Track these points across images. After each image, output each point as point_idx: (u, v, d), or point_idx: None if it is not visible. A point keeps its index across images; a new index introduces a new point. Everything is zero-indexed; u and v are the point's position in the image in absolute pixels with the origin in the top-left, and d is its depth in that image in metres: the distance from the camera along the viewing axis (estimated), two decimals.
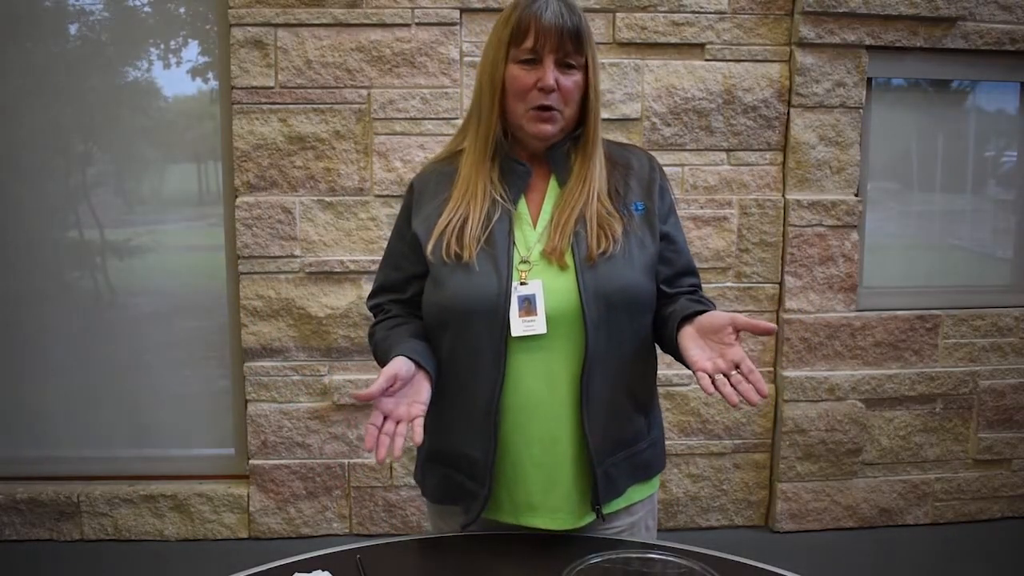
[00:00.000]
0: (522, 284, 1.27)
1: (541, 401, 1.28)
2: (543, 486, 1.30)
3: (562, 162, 1.34)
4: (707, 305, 1.33)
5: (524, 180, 1.34)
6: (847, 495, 3.09)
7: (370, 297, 1.48)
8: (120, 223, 3.09)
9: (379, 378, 1.17)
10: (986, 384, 3.11)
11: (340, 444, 2.96)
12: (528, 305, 1.26)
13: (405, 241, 1.37)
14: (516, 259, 1.29)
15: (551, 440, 1.29)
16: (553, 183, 1.35)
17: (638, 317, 1.33)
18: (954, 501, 3.16)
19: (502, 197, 1.31)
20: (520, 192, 1.34)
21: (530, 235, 1.32)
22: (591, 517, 1.34)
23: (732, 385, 1.13)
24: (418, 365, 1.24)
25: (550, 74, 1.25)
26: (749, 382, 1.13)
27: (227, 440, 3.08)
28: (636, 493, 1.40)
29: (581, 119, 1.33)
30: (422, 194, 1.38)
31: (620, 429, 1.33)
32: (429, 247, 1.31)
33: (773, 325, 1.16)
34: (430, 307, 1.33)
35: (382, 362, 1.29)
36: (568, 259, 1.28)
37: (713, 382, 1.14)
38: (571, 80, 1.28)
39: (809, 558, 2.90)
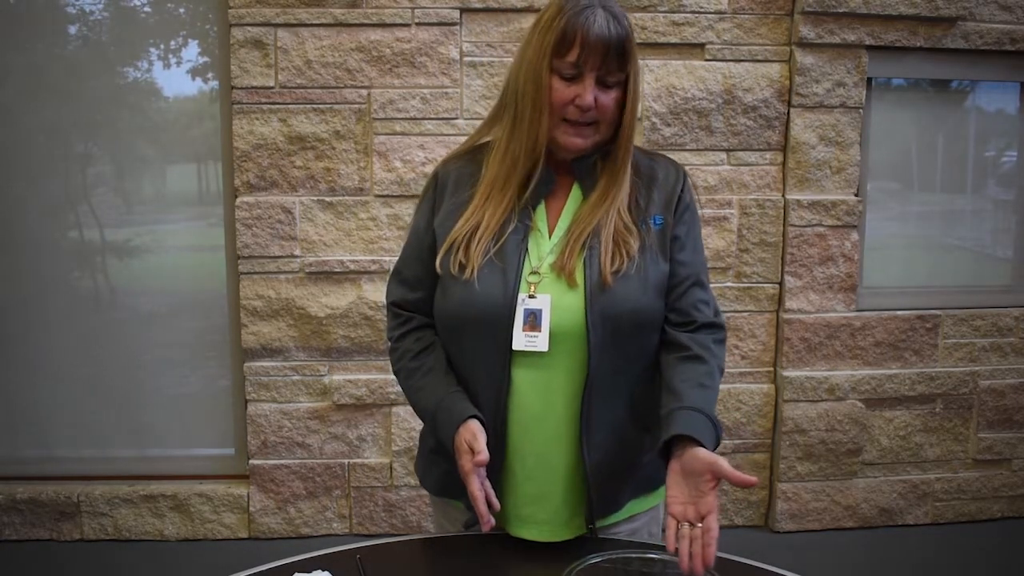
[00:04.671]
0: (530, 297, 1.25)
1: (537, 416, 1.27)
2: (531, 499, 1.30)
3: (588, 173, 1.30)
4: (697, 410, 1.21)
5: (547, 186, 1.30)
6: (847, 495, 3.09)
7: (390, 290, 1.42)
8: (120, 223, 3.09)
9: (478, 450, 1.20)
10: (986, 384, 3.11)
11: (340, 444, 2.96)
12: (533, 320, 1.24)
13: (430, 232, 1.34)
14: (527, 270, 1.26)
15: (545, 456, 1.28)
16: (576, 192, 1.32)
17: (645, 337, 1.30)
18: (954, 501, 3.16)
19: (522, 199, 1.28)
20: (541, 197, 1.30)
21: (544, 245, 1.29)
22: (582, 531, 1.32)
23: (691, 540, 1.12)
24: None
25: (589, 93, 1.21)
26: (703, 545, 1.10)
27: (227, 440, 3.08)
28: (637, 506, 1.39)
29: (615, 134, 1.28)
30: (444, 187, 1.35)
31: (622, 449, 1.31)
32: (439, 257, 1.29)
33: (755, 479, 1.12)
34: (438, 314, 1.33)
35: (423, 399, 1.32)
36: (578, 277, 1.25)
37: (678, 530, 1.14)
38: (610, 97, 1.23)
39: (809, 558, 2.90)
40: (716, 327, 1.33)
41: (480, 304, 1.24)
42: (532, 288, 1.25)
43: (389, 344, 1.41)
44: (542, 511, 1.30)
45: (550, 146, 1.28)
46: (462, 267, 1.25)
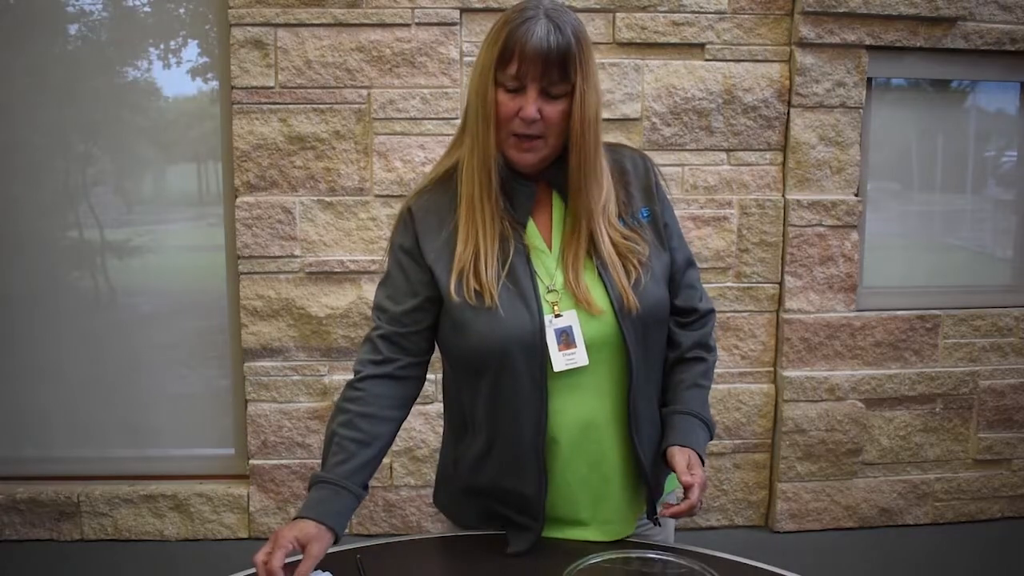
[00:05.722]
0: (556, 316, 1.24)
1: (586, 427, 1.27)
2: (591, 503, 1.31)
3: (562, 180, 1.28)
4: (693, 392, 1.34)
5: (530, 200, 1.29)
6: (847, 495, 3.09)
7: (380, 327, 1.32)
8: (120, 223, 3.09)
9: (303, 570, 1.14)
10: (986, 384, 3.11)
11: None
12: (566, 338, 1.24)
13: (424, 268, 1.28)
14: (542, 290, 1.25)
15: (598, 462, 1.29)
16: (557, 199, 1.31)
17: (664, 327, 1.34)
18: (954, 501, 3.16)
19: (510, 219, 1.26)
20: (527, 213, 1.29)
21: (548, 261, 1.28)
22: (637, 523, 1.36)
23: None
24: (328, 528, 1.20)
25: (532, 106, 1.19)
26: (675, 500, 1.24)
27: (227, 440, 3.08)
28: (669, 484, 1.42)
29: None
30: (424, 221, 1.30)
31: (659, 436, 1.33)
32: (452, 288, 1.24)
33: (693, 506, 1.18)
34: (458, 351, 1.28)
35: (328, 459, 1.26)
36: (599, 299, 1.25)
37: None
38: (556, 109, 1.21)
39: (809, 558, 2.90)
40: (709, 314, 1.40)
41: (508, 331, 1.22)
42: (555, 308, 1.25)
43: (354, 371, 1.33)
44: (604, 512, 1.31)
45: (507, 162, 1.26)
46: (478, 294, 1.23)
